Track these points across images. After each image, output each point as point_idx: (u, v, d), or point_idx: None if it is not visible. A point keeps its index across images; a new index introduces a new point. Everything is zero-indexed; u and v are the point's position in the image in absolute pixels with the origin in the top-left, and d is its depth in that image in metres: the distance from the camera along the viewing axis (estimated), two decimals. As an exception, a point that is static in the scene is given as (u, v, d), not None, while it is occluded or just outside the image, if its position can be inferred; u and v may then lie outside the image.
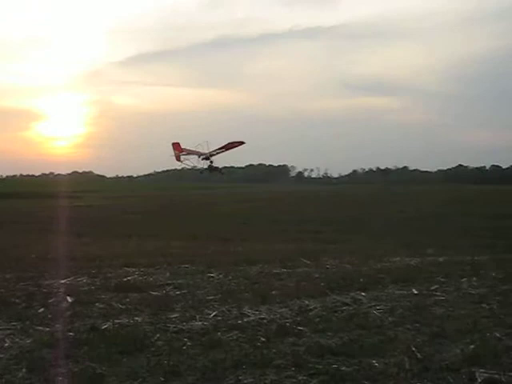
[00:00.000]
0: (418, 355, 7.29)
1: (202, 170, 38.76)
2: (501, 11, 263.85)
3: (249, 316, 9.45)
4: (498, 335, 8.10)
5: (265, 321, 9.18)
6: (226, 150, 36.46)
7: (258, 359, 7.27)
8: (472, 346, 7.49)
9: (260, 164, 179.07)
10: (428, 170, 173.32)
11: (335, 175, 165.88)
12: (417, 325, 8.87)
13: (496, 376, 6.43)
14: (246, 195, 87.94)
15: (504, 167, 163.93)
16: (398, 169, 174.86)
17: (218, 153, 37.01)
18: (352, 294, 11.12)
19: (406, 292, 11.38)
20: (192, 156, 37.56)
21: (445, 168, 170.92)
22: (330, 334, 8.39)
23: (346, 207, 55.78)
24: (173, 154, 36.76)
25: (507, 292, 11.25)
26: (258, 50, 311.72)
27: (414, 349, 7.51)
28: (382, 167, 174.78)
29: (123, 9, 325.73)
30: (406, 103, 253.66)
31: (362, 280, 12.48)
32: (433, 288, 11.69)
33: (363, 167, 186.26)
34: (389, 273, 13.55)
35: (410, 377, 6.63)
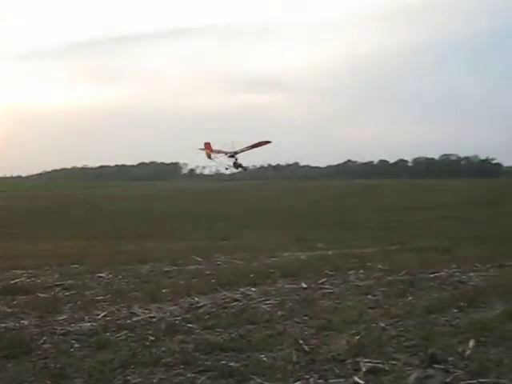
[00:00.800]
0: (306, 348, 7.38)
1: (227, 167, 41.62)
2: (378, 10, 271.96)
3: (138, 315, 9.31)
4: (382, 325, 8.32)
5: (154, 319, 9.08)
6: (253, 148, 39.08)
7: (146, 358, 7.17)
8: (357, 337, 7.65)
9: (152, 162, 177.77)
10: (318, 165, 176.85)
11: (227, 172, 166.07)
12: (305, 318, 8.99)
13: (380, 365, 6.59)
14: (140, 193, 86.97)
15: (391, 162, 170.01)
16: (289, 165, 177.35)
17: (243, 151, 39.62)
18: (242, 289, 11.16)
19: (295, 286, 11.52)
20: (220, 154, 40.18)
21: (334, 163, 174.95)
22: (219, 330, 8.37)
23: (239, 203, 56.12)
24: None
25: (392, 283, 11.60)
26: (141, 48, 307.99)
27: (301, 342, 7.60)
28: (274, 163, 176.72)
29: None
30: (295, 100, 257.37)
31: (252, 275, 12.53)
32: (321, 281, 11.90)
33: (255, 164, 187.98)
34: (279, 267, 13.68)
35: (298, 369, 6.70)
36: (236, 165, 40.13)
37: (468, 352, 6.96)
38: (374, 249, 17.69)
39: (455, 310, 9.22)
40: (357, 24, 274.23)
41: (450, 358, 6.66)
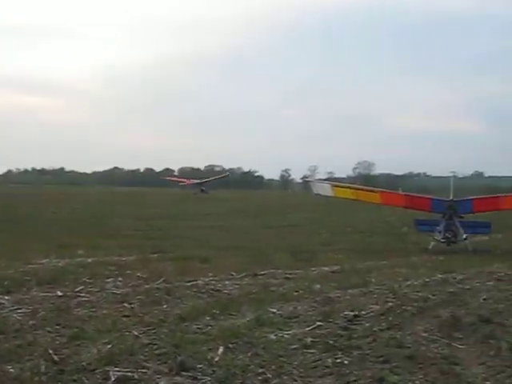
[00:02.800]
0: (55, 358, 7.17)
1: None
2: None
3: None
4: (135, 333, 8.32)
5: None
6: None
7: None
8: (109, 346, 7.58)
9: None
10: (86, 171, 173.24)
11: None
12: (57, 327, 8.74)
13: (129, 373, 6.59)
14: None
15: (157, 170, 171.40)
16: (55, 169, 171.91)
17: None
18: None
19: (50, 294, 11.17)
20: None
21: (101, 170, 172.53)
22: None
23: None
24: None
25: (148, 291, 11.67)
26: None
27: (51, 351, 7.37)
28: (38, 167, 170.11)
29: None
30: (62, 103, 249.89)
31: (6, 283, 11.95)
32: (78, 289, 11.64)
33: (18, 167, 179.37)
34: (35, 275, 13.18)
35: (45, 380, 6.49)
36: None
37: (216, 359, 7.18)
38: (134, 257, 17.69)
39: (208, 318, 9.47)
40: (140, 32, 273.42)
41: (199, 365, 6.83)
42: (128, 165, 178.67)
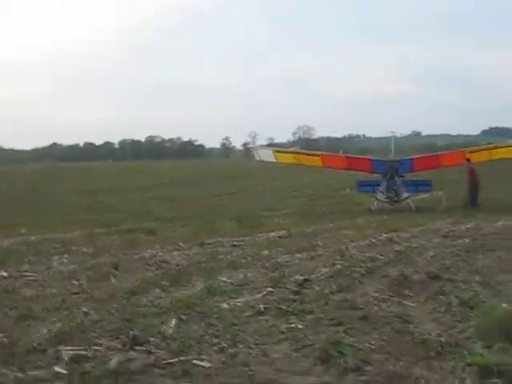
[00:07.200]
0: (5, 340, 6.98)
1: None
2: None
3: None
4: (85, 310, 8.16)
5: None
6: None
7: None
8: (59, 325, 7.42)
9: None
10: (23, 148, 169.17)
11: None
12: (5, 309, 8.52)
13: (82, 352, 6.46)
14: None
15: (97, 144, 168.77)
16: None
17: None
18: None
19: (-5, 275, 10.89)
20: None
21: (40, 146, 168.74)
22: None
23: None
24: None
25: (96, 266, 11.51)
26: None
27: (0, 335, 7.18)
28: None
29: None
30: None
31: None
32: (23, 269, 11.40)
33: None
34: (-23, 257, 12.85)
35: (-5, 364, 6.31)
36: None
37: (170, 331, 7.10)
38: (79, 232, 17.43)
39: (158, 290, 9.38)
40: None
41: (152, 339, 6.74)
42: (67, 140, 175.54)
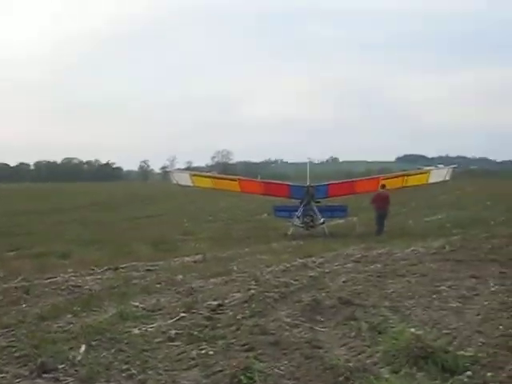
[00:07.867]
0: None
1: None
2: None
3: None
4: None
5: None
6: None
7: None
8: None
9: None
10: None
11: None
12: None
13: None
14: None
15: (12, 165, 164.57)
16: None
17: None
18: None
19: None
20: None
21: None
22: None
23: None
24: None
25: (6, 291, 11.29)
26: None
27: None
28: None
29: None
30: None
31: None
32: None
33: None
34: None
35: None
36: None
37: (79, 357, 7.00)
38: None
39: (69, 316, 9.21)
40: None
41: (60, 366, 6.63)
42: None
